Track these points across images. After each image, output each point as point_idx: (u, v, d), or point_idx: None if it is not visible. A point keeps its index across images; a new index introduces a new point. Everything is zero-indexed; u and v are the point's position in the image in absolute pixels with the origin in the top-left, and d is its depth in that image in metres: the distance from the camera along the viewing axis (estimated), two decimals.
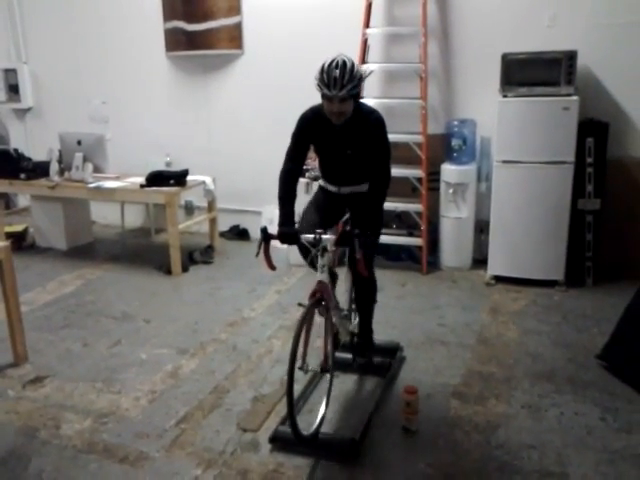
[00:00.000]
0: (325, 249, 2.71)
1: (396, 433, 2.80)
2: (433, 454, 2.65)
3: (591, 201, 4.51)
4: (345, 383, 3.23)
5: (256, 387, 3.23)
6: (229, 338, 3.82)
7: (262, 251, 2.72)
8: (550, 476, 2.49)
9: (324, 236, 2.68)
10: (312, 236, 2.68)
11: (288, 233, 2.76)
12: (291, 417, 2.46)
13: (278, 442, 2.71)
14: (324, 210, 3.08)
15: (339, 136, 2.81)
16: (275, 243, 2.73)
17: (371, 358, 3.33)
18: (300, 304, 2.71)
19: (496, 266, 4.67)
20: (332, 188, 3.08)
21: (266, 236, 2.69)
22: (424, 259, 4.91)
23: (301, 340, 2.56)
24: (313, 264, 2.83)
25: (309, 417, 2.86)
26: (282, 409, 2.97)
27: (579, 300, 4.31)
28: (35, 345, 3.71)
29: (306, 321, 2.60)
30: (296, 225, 2.91)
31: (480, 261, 4.94)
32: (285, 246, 2.91)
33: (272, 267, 2.78)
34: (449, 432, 2.81)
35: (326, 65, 2.63)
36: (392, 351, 3.46)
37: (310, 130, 2.88)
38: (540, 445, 2.69)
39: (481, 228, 4.97)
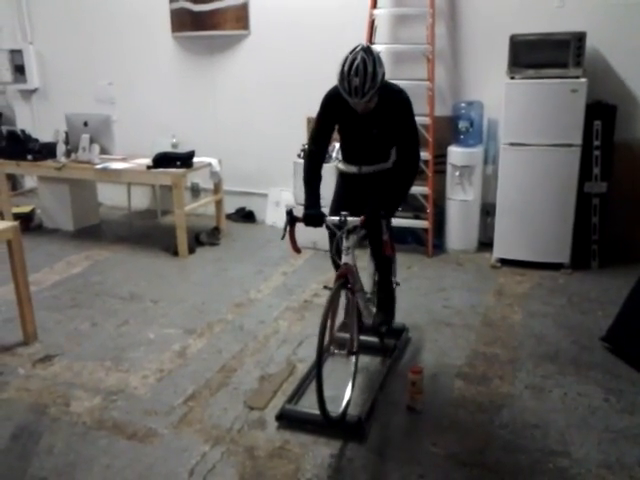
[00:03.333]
0: (350, 231, 2.70)
1: (401, 412, 2.84)
2: (437, 433, 2.69)
3: (598, 184, 4.50)
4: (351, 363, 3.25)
5: (263, 367, 3.27)
6: (236, 318, 3.86)
7: (287, 234, 2.71)
8: (553, 455, 2.52)
9: (349, 218, 2.66)
10: (337, 218, 2.68)
11: (314, 215, 2.74)
12: (320, 399, 2.48)
13: (284, 420, 2.75)
14: (347, 194, 3.08)
15: (365, 116, 2.76)
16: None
17: (390, 319, 3.34)
18: (326, 287, 2.73)
19: (502, 249, 4.68)
20: (353, 169, 3.05)
21: (292, 218, 2.69)
22: (430, 242, 4.92)
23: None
24: (337, 248, 2.83)
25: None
26: (288, 388, 3.02)
27: (584, 283, 4.32)
28: (44, 324, 3.75)
29: (333, 303, 2.61)
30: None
31: (486, 244, 4.95)
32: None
33: (297, 250, 2.78)
34: (453, 412, 2.84)
35: (346, 69, 2.55)
36: (398, 332, 3.49)
37: (335, 110, 2.83)
38: (544, 425, 2.72)
39: (487, 211, 4.97)
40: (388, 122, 2.80)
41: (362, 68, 2.53)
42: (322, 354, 2.49)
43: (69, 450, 2.61)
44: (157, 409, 2.89)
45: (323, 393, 2.50)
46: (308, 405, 2.63)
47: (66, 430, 2.75)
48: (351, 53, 2.58)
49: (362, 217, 2.66)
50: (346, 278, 2.73)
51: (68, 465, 2.52)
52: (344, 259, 2.75)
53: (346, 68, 2.55)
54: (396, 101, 2.77)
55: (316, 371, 2.49)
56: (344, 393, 2.80)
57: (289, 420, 2.74)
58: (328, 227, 2.79)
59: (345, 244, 2.73)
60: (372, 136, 2.87)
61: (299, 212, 2.74)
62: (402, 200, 2.95)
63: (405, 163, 2.86)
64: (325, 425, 2.63)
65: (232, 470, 2.47)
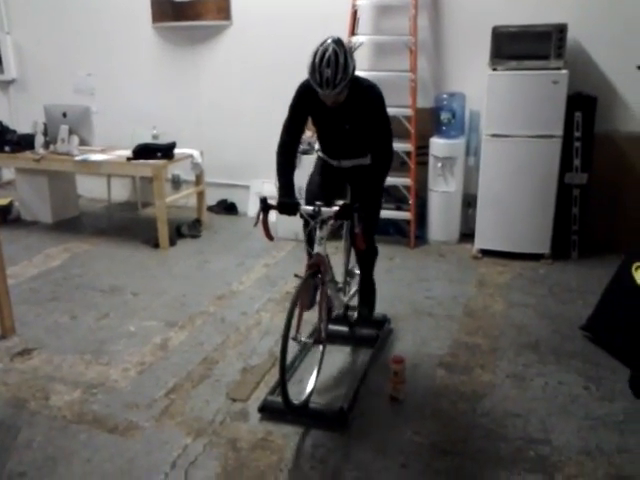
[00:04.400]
0: (324, 222, 2.70)
1: (384, 402, 2.84)
2: (420, 422, 2.69)
3: (578, 175, 4.53)
4: (334, 354, 3.25)
5: (245, 358, 3.25)
6: (218, 311, 3.83)
7: (261, 221, 2.71)
8: (534, 443, 2.54)
9: (324, 209, 2.66)
10: (312, 208, 2.67)
11: (288, 204, 2.73)
12: (282, 385, 2.49)
13: (267, 411, 2.74)
14: (325, 183, 3.07)
15: (336, 110, 2.75)
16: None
17: (371, 312, 3.36)
18: (297, 275, 2.72)
19: (483, 240, 4.70)
20: (332, 162, 3.06)
21: (265, 206, 2.68)
22: (412, 233, 4.93)
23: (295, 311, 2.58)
24: (310, 237, 2.82)
25: (297, 387, 2.88)
26: (271, 380, 3.00)
27: (564, 273, 4.36)
28: (22, 318, 3.70)
29: (302, 292, 2.61)
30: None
31: (467, 235, 4.97)
32: (273, 219, 2.90)
33: (270, 237, 2.76)
34: (435, 401, 2.85)
35: (317, 61, 2.54)
36: (380, 323, 3.49)
37: (307, 103, 2.82)
38: (525, 413, 2.74)
39: (469, 202, 4.99)
40: (359, 117, 2.79)
41: (334, 59, 2.52)
42: (287, 342, 2.49)
43: (48, 444, 2.58)
44: (138, 402, 2.86)
45: (286, 379, 2.52)
46: (291, 396, 2.63)
47: (45, 424, 2.71)
48: (322, 45, 2.57)
49: (336, 208, 2.66)
50: (318, 268, 2.72)
51: (48, 459, 2.49)
52: (316, 249, 2.75)
53: (317, 59, 2.54)
54: (367, 97, 2.76)
55: (280, 360, 2.49)
56: (309, 382, 2.81)
57: (272, 412, 2.73)
58: (302, 216, 2.78)
59: (318, 234, 2.73)
60: (345, 131, 2.87)
61: (273, 202, 2.73)
62: (379, 192, 2.96)
63: (377, 158, 2.86)
64: (290, 413, 2.63)
65: (214, 462, 2.45)
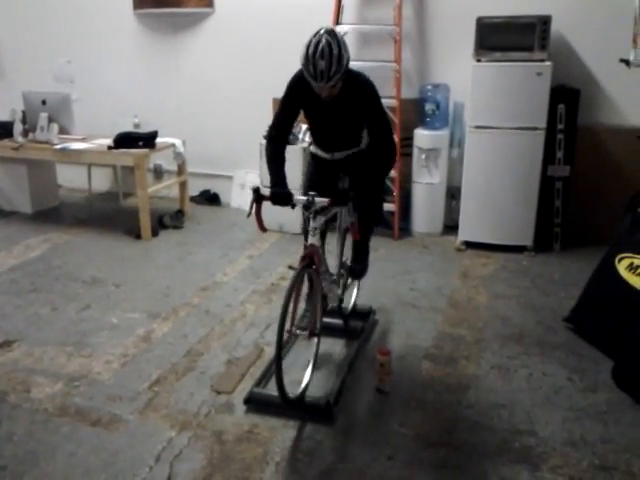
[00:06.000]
0: (318, 212, 2.67)
1: (369, 394, 2.84)
2: (405, 414, 2.70)
3: (561, 168, 4.56)
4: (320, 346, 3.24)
5: (230, 350, 3.23)
6: (202, 302, 3.80)
7: (254, 212, 2.66)
8: (519, 434, 2.56)
9: (317, 199, 2.63)
10: (305, 198, 2.64)
11: (281, 194, 2.68)
12: (279, 378, 2.48)
13: (252, 404, 2.72)
14: (318, 177, 3.05)
15: (331, 103, 2.71)
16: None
17: (364, 271, 3.34)
18: (291, 267, 2.70)
19: (466, 232, 4.71)
20: (325, 155, 3.02)
21: (258, 196, 2.63)
22: (396, 225, 4.93)
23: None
24: (305, 233, 2.80)
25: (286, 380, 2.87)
26: (256, 372, 2.99)
27: (547, 265, 4.39)
28: (2, 309, 3.64)
29: (297, 284, 2.59)
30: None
31: (451, 227, 4.98)
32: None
33: (263, 229, 2.71)
34: (421, 393, 2.85)
35: (310, 52, 2.48)
36: (365, 315, 3.49)
37: (300, 95, 2.76)
38: (509, 404, 2.75)
39: (452, 194, 5.00)
40: (354, 109, 2.76)
41: (327, 51, 2.47)
42: (283, 335, 2.47)
43: (30, 438, 2.54)
44: (121, 395, 2.83)
45: (282, 375, 2.50)
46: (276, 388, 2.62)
47: (27, 417, 2.67)
48: (315, 36, 2.51)
49: (329, 198, 2.63)
50: (312, 259, 2.71)
51: (29, 453, 2.45)
52: (310, 240, 2.72)
53: (311, 51, 2.49)
54: (361, 88, 2.72)
55: (276, 353, 2.47)
56: (305, 375, 2.80)
57: (257, 404, 2.72)
58: (294, 206, 2.75)
59: (312, 225, 2.71)
60: (339, 123, 2.84)
61: (266, 192, 2.69)
62: (380, 185, 2.92)
63: (380, 149, 2.80)
64: (286, 407, 2.62)
65: (200, 455, 2.43)
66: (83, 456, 2.43)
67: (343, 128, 2.88)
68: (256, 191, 2.64)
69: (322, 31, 2.53)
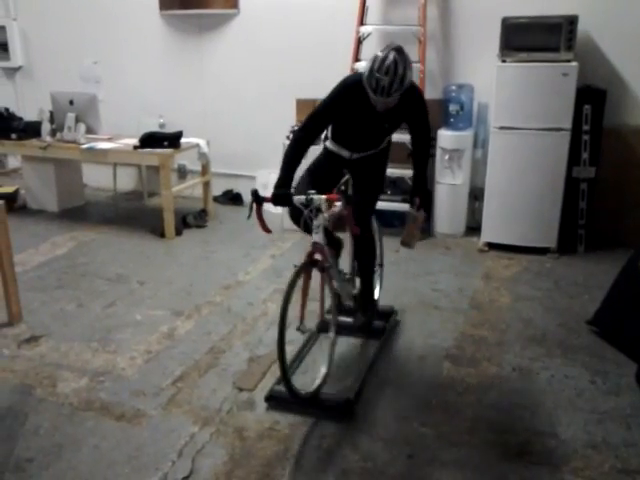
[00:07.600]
0: (318, 210, 2.66)
1: (390, 393, 2.85)
2: (426, 414, 2.70)
3: (586, 169, 4.51)
4: (341, 345, 3.23)
5: (251, 348, 3.26)
6: (224, 301, 3.83)
7: (254, 214, 2.66)
8: (541, 435, 2.54)
9: (316, 197, 2.62)
10: (304, 197, 2.64)
11: (281, 195, 2.67)
12: (284, 374, 2.52)
13: (274, 401, 2.74)
14: (322, 174, 3.03)
15: (381, 112, 2.70)
16: (268, 207, 2.70)
17: (371, 319, 3.33)
18: (295, 266, 2.71)
19: (489, 233, 4.69)
20: (344, 152, 3.00)
21: (257, 198, 2.64)
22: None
23: (298, 302, 2.59)
24: (307, 228, 2.79)
25: (303, 378, 2.89)
26: (277, 370, 2.96)
27: (571, 267, 4.35)
28: (29, 305, 3.71)
29: (296, 282, 2.60)
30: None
31: (473, 228, 4.96)
32: (279, 211, 2.87)
33: (267, 230, 2.72)
34: (442, 393, 2.85)
35: (376, 67, 2.51)
36: (387, 315, 3.49)
37: (351, 100, 2.72)
38: (531, 406, 2.74)
39: (475, 195, 4.98)
40: (401, 116, 2.81)
41: (393, 69, 2.50)
42: (284, 331, 2.52)
43: (56, 431, 2.59)
44: (145, 390, 2.87)
45: (287, 370, 2.56)
46: (297, 386, 2.63)
47: (53, 411, 2.72)
48: (383, 51, 2.54)
49: (327, 195, 2.62)
50: (314, 258, 2.71)
51: (55, 446, 2.50)
52: (314, 238, 2.71)
53: (377, 65, 2.52)
54: (413, 98, 2.76)
55: (278, 351, 2.51)
56: (319, 372, 2.82)
57: (278, 401, 2.74)
58: (294, 208, 2.75)
59: (315, 222, 2.69)
60: (380, 129, 2.88)
61: (265, 193, 2.69)
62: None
63: (426, 148, 2.99)
64: (304, 404, 2.66)
65: (221, 451, 2.46)
66: (107, 450, 2.47)
67: (381, 133, 2.91)
68: (254, 193, 2.65)
69: (391, 48, 2.55)
